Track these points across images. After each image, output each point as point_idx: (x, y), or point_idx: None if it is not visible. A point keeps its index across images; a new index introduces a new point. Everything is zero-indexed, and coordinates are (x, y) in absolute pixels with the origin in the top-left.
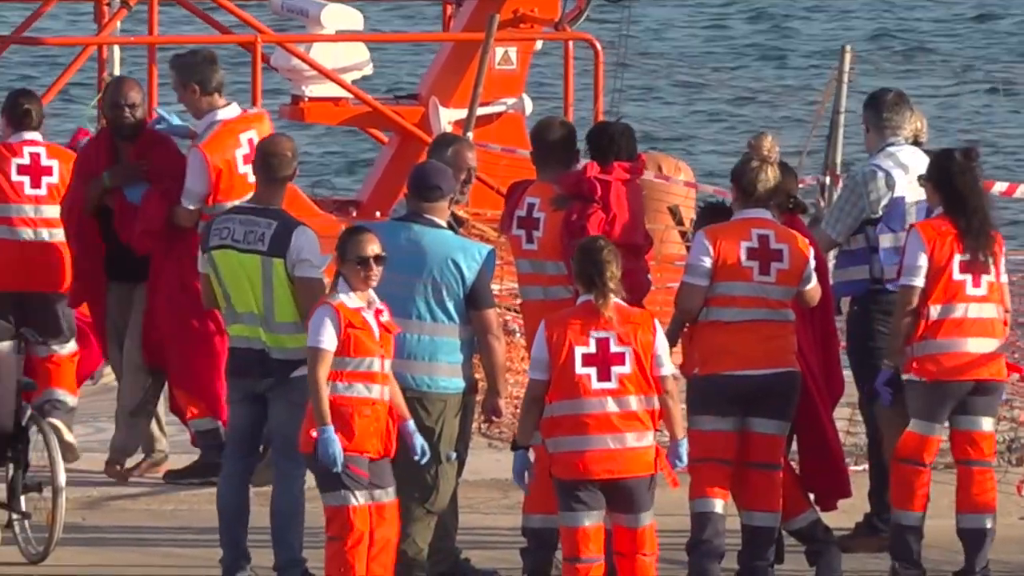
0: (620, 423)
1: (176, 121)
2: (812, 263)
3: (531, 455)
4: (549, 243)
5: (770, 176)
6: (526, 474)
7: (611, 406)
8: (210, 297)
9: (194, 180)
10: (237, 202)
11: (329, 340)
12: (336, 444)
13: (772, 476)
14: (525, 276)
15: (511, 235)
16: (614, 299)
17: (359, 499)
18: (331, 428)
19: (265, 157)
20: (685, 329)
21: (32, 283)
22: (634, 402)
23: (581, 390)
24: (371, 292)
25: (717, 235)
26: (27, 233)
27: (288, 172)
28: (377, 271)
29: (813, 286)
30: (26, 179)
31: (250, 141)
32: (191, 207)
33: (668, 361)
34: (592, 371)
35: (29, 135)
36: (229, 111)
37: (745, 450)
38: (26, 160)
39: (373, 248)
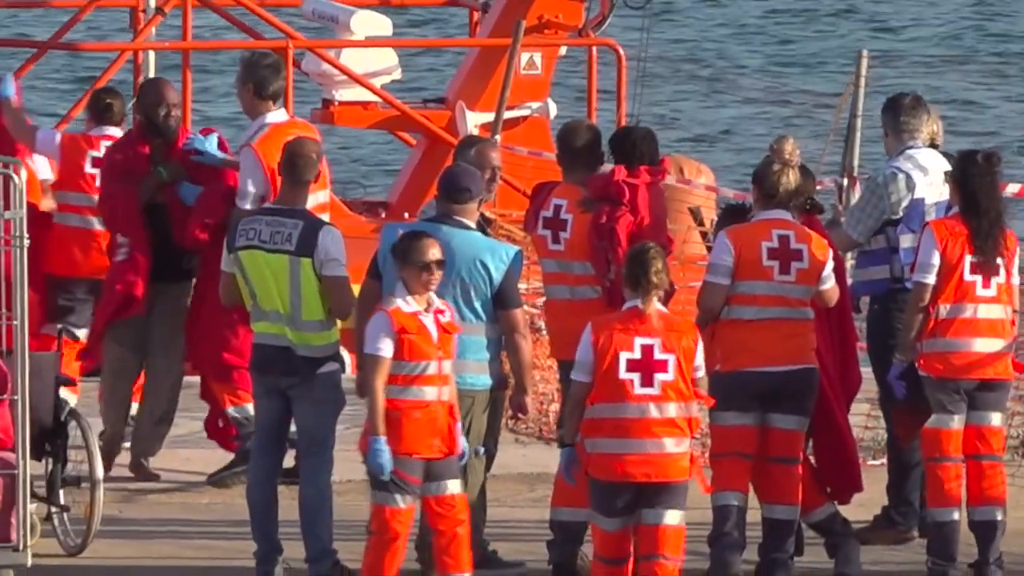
0: (659, 429)
1: (213, 150)
2: (831, 263)
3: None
4: (577, 244)
5: (791, 179)
6: (573, 469)
7: (652, 412)
8: (232, 295)
9: (250, 179)
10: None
11: (386, 347)
12: (385, 455)
13: (792, 470)
14: (551, 275)
15: (536, 235)
16: (657, 305)
17: (401, 502)
18: (383, 439)
19: (291, 158)
20: (706, 327)
21: (100, 271)
22: (673, 409)
23: (624, 394)
24: (431, 294)
25: (738, 235)
26: (96, 223)
27: (313, 173)
28: (438, 275)
29: (831, 286)
30: (98, 171)
31: None
32: (248, 207)
33: (703, 365)
34: (636, 376)
35: (110, 130)
36: (278, 115)
37: (765, 445)
38: (100, 153)
39: (434, 253)
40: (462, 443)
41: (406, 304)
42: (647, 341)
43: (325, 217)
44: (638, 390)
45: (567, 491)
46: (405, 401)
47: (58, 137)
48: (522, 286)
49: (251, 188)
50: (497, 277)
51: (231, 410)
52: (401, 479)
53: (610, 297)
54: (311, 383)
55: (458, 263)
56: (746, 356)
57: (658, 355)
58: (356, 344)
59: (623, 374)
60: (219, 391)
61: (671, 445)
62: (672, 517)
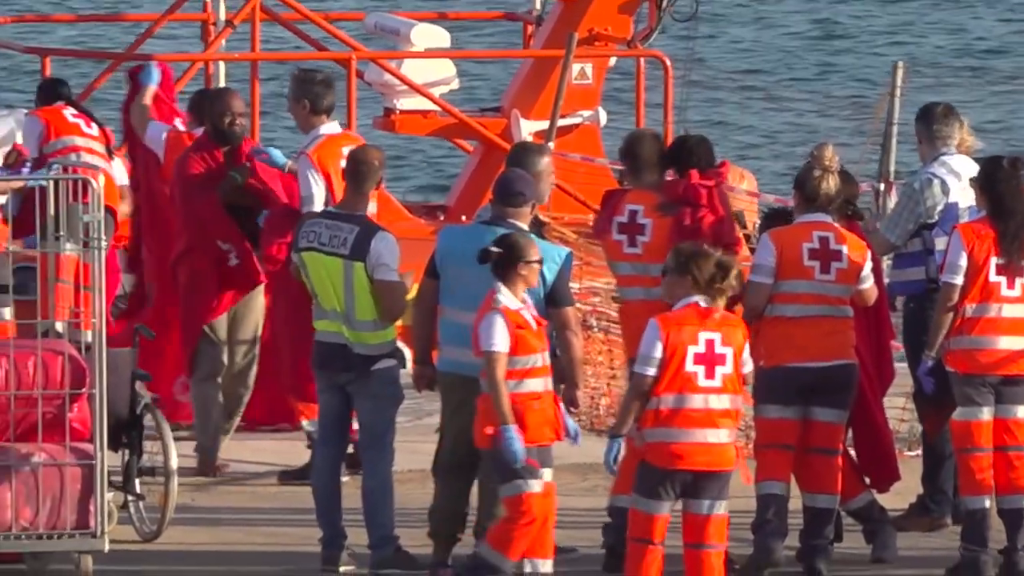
0: (719, 419)
1: (277, 155)
2: (869, 264)
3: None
4: (656, 246)
5: (831, 184)
6: (617, 460)
7: (714, 403)
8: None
9: (310, 185)
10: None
11: (503, 343)
12: (518, 443)
13: (832, 461)
14: (626, 278)
15: (610, 239)
16: (722, 304)
17: (535, 487)
18: (513, 427)
19: (356, 165)
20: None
21: None
22: (728, 400)
23: (691, 386)
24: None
25: (780, 237)
26: None
27: (375, 180)
28: (537, 272)
29: (870, 286)
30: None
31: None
32: (317, 210)
33: (750, 360)
34: (700, 369)
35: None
36: (332, 127)
37: (807, 437)
38: None
39: (536, 252)
40: (571, 425)
41: (511, 302)
42: (710, 336)
43: None
44: (702, 382)
45: (627, 479)
46: (523, 394)
47: (165, 133)
48: (574, 286)
49: (315, 191)
50: (550, 277)
51: (305, 424)
52: (530, 465)
53: None
54: (368, 379)
55: None
56: (789, 352)
57: (719, 349)
58: (414, 340)
59: (689, 367)
60: (294, 405)
61: (725, 435)
62: (719, 507)
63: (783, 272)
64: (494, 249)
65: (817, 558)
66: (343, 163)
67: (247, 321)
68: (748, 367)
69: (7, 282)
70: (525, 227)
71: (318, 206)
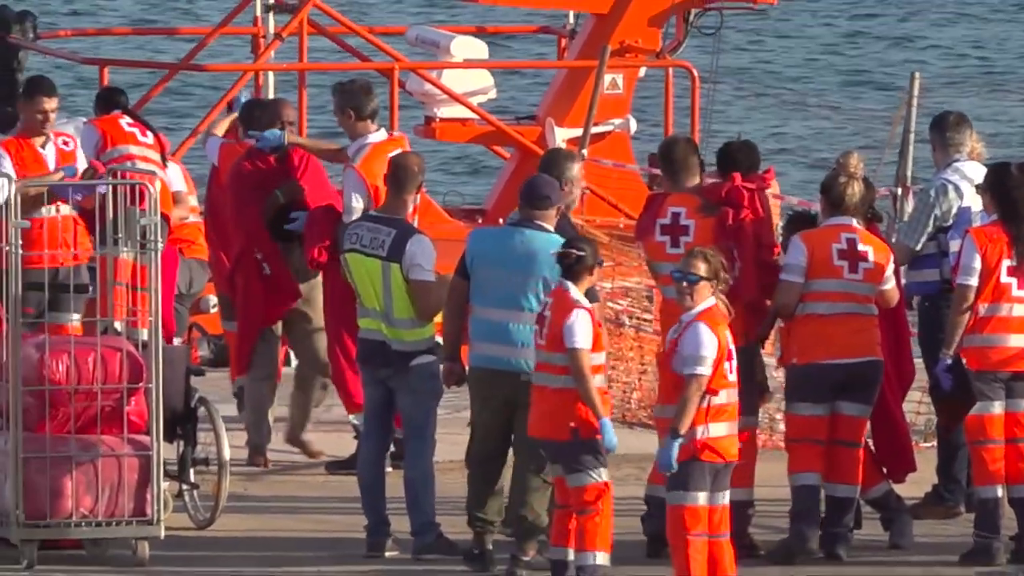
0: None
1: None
2: (891, 266)
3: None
4: (700, 246)
5: (855, 190)
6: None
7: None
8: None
9: (355, 197)
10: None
11: (588, 340)
12: (612, 430)
13: (855, 453)
14: (667, 277)
15: (653, 241)
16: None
17: (606, 475)
18: (608, 419)
19: (396, 170)
20: (781, 324)
21: None
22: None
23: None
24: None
25: (810, 238)
26: None
27: (415, 185)
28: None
29: (892, 287)
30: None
31: None
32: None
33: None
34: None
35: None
36: (378, 135)
37: (833, 429)
38: None
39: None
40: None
41: (586, 301)
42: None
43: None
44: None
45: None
46: (599, 388)
47: (218, 144)
48: (606, 285)
49: (355, 203)
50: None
51: (352, 418)
52: (604, 455)
53: (733, 293)
54: (407, 374)
55: (540, 262)
56: (820, 349)
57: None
58: (444, 338)
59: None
60: (343, 399)
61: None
62: (727, 496)
63: (814, 271)
64: (576, 252)
65: (837, 545)
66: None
67: (309, 316)
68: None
69: (85, 283)
70: (551, 229)
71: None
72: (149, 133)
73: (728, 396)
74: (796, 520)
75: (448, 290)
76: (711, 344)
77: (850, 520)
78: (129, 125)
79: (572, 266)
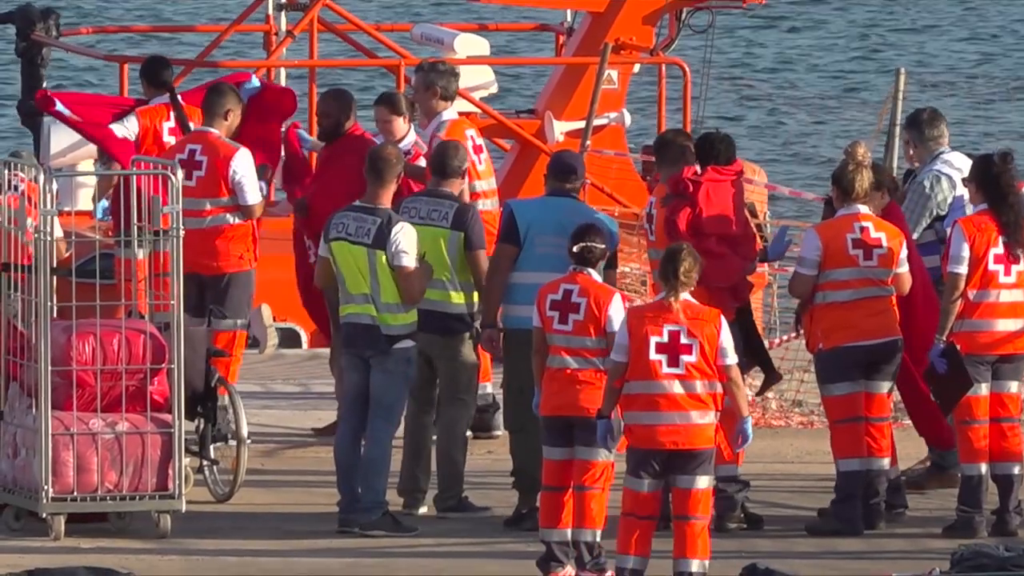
0: (686, 403)
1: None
2: (906, 249)
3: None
4: (659, 236)
5: (864, 178)
6: (609, 439)
7: (678, 388)
8: (325, 279)
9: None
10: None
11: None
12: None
13: (884, 428)
14: (653, 263)
15: (644, 231)
16: (684, 296)
17: (612, 456)
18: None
19: (375, 162)
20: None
21: None
22: (699, 386)
23: (653, 374)
24: None
25: (825, 231)
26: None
27: (394, 175)
28: None
29: (905, 271)
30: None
31: (472, 137)
32: None
33: (732, 352)
34: (663, 358)
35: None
36: (451, 113)
37: (865, 407)
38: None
39: None
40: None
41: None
42: (674, 328)
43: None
44: (665, 370)
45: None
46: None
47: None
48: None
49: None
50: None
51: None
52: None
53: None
54: (386, 356)
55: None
56: (843, 333)
57: (684, 340)
58: (487, 305)
59: (652, 355)
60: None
61: (696, 417)
62: (701, 482)
63: (831, 262)
64: (596, 245)
65: (876, 519)
66: (469, 144)
67: None
68: (729, 359)
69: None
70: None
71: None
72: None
73: (658, 387)
74: (842, 504)
75: (497, 259)
76: (623, 333)
77: (884, 492)
78: (169, 131)
79: (591, 257)
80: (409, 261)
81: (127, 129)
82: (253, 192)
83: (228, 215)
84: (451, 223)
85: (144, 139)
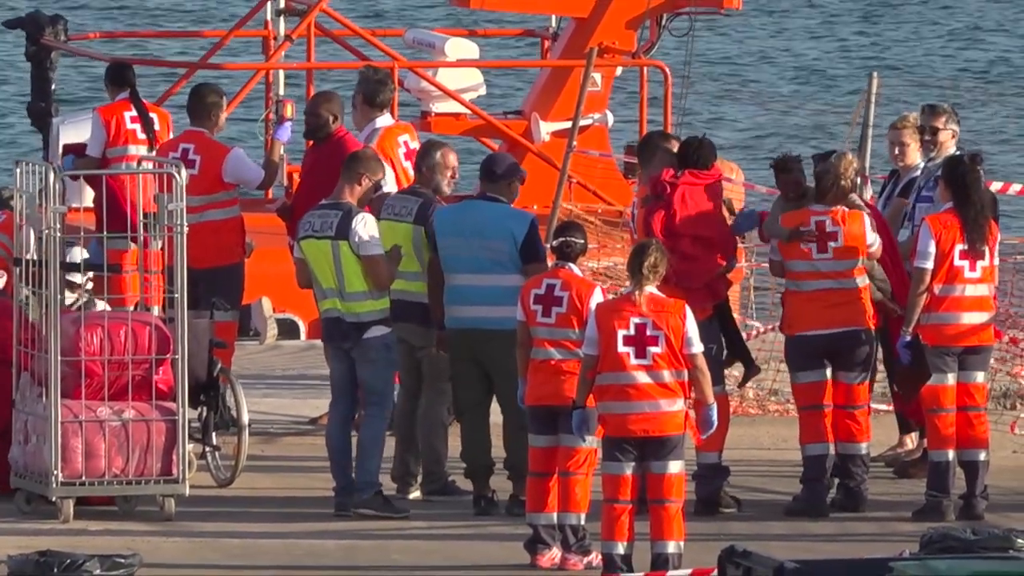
0: (655, 391)
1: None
2: (870, 234)
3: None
4: (638, 233)
5: (839, 190)
6: (584, 429)
7: (646, 378)
8: (304, 279)
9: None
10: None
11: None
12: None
13: (855, 415)
14: None
15: (629, 227)
16: (650, 290)
17: (595, 442)
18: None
19: (349, 162)
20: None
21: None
22: (666, 375)
23: (622, 365)
24: None
25: (787, 220)
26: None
27: (358, 173)
28: None
29: (877, 248)
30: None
31: (405, 142)
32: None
33: (698, 341)
34: (631, 349)
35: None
36: (385, 120)
37: (833, 396)
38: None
39: None
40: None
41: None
42: (640, 320)
43: None
44: (633, 361)
45: (710, 439)
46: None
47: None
48: (593, 264)
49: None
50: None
51: None
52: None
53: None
54: (363, 345)
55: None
56: (801, 322)
57: (650, 332)
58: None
59: (620, 348)
60: None
61: (665, 405)
62: (674, 466)
63: (785, 252)
64: (575, 240)
65: (858, 502)
66: (400, 151)
67: None
68: (694, 348)
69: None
70: (508, 203)
71: (392, 187)
72: (145, 129)
73: (627, 378)
74: (808, 484)
75: (428, 267)
76: (592, 327)
77: (861, 474)
78: (131, 120)
79: (570, 252)
80: (373, 248)
81: (96, 140)
82: (255, 171)
83: (218, 210)
84: (414, 218)
85: (109, 129)
